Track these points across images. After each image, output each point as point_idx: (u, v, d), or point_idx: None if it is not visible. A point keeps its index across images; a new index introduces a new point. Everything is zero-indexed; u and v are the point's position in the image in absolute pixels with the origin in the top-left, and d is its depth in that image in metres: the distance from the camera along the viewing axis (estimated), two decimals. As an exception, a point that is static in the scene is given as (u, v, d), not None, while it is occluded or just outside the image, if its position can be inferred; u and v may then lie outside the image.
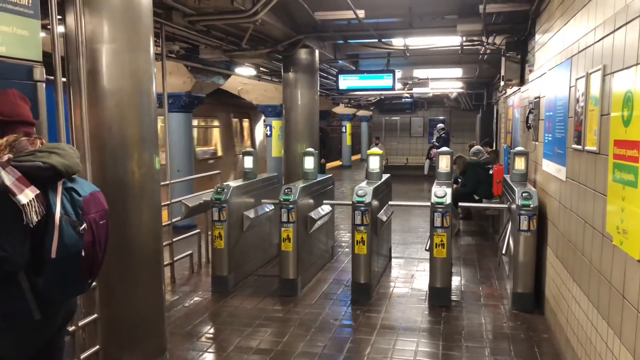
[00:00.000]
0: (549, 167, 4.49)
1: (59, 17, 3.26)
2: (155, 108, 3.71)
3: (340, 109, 20.75)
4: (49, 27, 3.12)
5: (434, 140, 17.30)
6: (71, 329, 3.26)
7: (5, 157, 1.90)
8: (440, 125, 17.61)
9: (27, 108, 2.13)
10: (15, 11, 2.52)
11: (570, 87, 3.68)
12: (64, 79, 3.32)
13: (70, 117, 3.40)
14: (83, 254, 1.98)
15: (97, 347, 3.49)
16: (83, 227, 1.97)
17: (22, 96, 2.11)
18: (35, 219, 1.86)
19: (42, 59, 2.72)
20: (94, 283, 3.39)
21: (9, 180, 1.83)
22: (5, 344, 1.94)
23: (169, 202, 5.63)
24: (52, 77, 3.06)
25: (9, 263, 1.85)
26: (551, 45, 4.58)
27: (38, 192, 1.88)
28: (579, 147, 3.32)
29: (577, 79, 3.46)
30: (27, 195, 1.84)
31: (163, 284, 3.93)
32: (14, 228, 1.85)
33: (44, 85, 2.69)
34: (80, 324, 3.36)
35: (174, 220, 5.77)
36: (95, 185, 2.23)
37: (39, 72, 2.63)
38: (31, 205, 1.85)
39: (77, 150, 2.21)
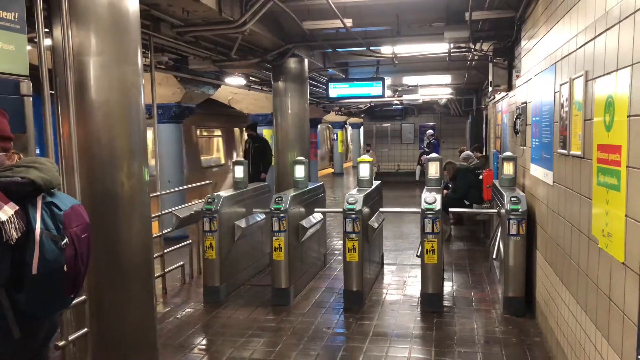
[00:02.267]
0: (536, 171, 4.54)
1: (46, 30, 3.26)
2: (144, 119, 3.71)
3: (331, 117, 20.81)
4: (35, 40, 3.12)
5: (424, 146, 17.39)
6: (61, 343, 3.24)
7: None
8: (430, 131, 17.70)
9: (5, 122, 2.08)
10: (2, 26, 2.52)
11: (555, 93, 3.73)
12: (52, 92, 3.32)
13: (58, 129, 3.39)
14: (65, 268, 1.94)
15: (88, 360, 3.46)
16: (65, 241, 1.94)
17: (0, 110, 2.08)
18: (15, 235, 1.82)
19: (29, 72, 2.72)
20: (82, 297, 3.38)
21: None
22: None
23: (159, 213, 5.62)
24: (40, 91, 3.05)
25: None
26: (536, 51, 4.64)
27: (17, 208, 1.84)
28: (565, 151, 3.36)
29: (561, 85, 3.51)
30: (6, 212, 1.81)
31: (154, 296, 3.91)
32: None
33: (31, 99, 2.69)
34: (70, 338, 3.33)
35: (165, 231, 5.75)
36: (75, 199, 2.20)
37: (26, 87, 2.63)
38: (10, 222, 1.81)
39: (56, 164, 2.18)
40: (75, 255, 1.98)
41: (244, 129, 10.67)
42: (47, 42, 3.30)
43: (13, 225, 1.82)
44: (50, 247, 1.89)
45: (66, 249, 1.94)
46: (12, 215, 1.82)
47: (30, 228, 1.88)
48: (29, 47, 2.80)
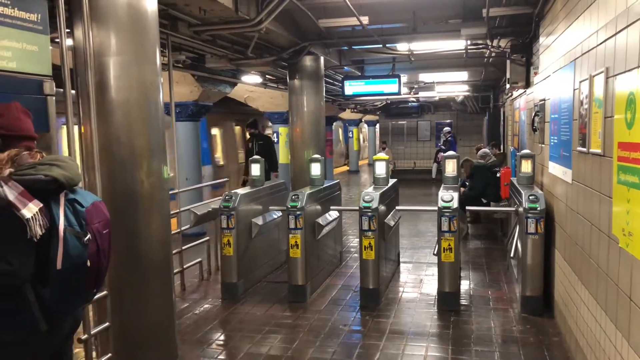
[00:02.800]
0: (555, 169, 4.49)
1: (67, 30, 3.32)
2: (163, 118, 3.76)
3: (346, 115, 20.79)
4: (57, 40, 3.18)
5: (441, 143, 17.29)
6: (84, 337, 3.30)
7: (7, 172, 1.92)
8: (447, 128, 17.57)
9: (30, 122, 2.13)
10: (25, 27, 2.58)
11: (574, 90, 3.68)
12: (73, 92, 3.38)
13: (79, 128, 3.46)
14: (88, 264, 1.99)
15: (109, 355, 3.52)
16: (87, 237, 1.99)
17: (24, 110, 2.12)
18: (39, 232, 1.87)
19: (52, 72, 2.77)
20: (104, 292, 3.44)
21: (12, 195, 1.84)
22: (14, 356, 1.96)
23: (178, 210, 5.69)
24: (62, 90, 3.11)
25: (14, 276, 1.86)
26: (555, 48, 4.59)
27: (41, 205, 1.89)
28: (584, 149, 3.32)
29: (580, 82, 3.47)
30: (30, 210, 1.86)
31: (173, 292, 3.97)
32: (19, 242, 1.86)
33: (54, 98, 2.75)
34: (92, 332, 3.40)
35: (183, 228, 5.82)
36: (97, 196, 2.25)
37: (49, 86, 2.69)
38: (35, 219, 1.86)
39: (76, 162, 2.23)
40: (97, 250, 2.04)
41: (246, 127, 10.28)
42: (69, 42, 3.36)
43: (37, 222, 1.87)
44: (74, 243, 1.95)
45: (89, 245, 1.99)
46: (37, 212, 1.87)
47: (53, 225, 1.93)
48: (50, 48, 2.85)
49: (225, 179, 7.44)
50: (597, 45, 3.09)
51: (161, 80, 3.73)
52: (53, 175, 1.95)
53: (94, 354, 3.51)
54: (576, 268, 3.67)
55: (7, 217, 1.84)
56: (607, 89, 2.86)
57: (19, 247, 1.87)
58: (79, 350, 3.59)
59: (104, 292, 3.47)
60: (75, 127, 3.36)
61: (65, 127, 3.25)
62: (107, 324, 3.52)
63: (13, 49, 2.50)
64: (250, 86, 10.46)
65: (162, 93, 3.74)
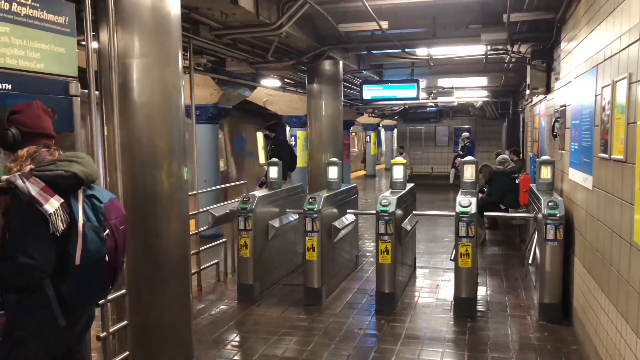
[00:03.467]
0: (575, 176, 4.44)
1: (93, 33, 3.40)
2: (184, 120, 3.82)
3: (364, 119, 20.78)
4: (83, 43, 3.25)
5: (459, 149, 17.17)
6: (102, 334, 3.36)
7: (28, 168, 1.95)
8: (465, 134, 17.46)
9: (49, 121, 2.18)
10: (53, 29, 2.65)
11: (596, 96, 3.65)
12: (97, 93, 3.45)
13: (102, 129, 3.53)
14: (107, 259, 2.02)
15: (127, 353, 3.57)
16: (106, 232, 2.02)
17: (45, 109, 2.16)
18: (61, 227, 1.91)
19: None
20: (122, 291, 3.50)
21: (34, 190, 1.88)
22: (31, 351, 1.99)
23: (196, 211, 5.75)
24: (86, 91, 3.18)
25: (38, 271, 1.90)
26: (577, 54, 4.54)
27: (62, 200, 1.93)
28: (606, 155, 3.29)
29: (602, 87, 3.43)
30: (52, 205, 1.89)
31: (190, 292, 4.01)
32: (41, 237, 1.90)
33: (79, 99, 2.81)
34: (111, 330, 3.45)
35: (200, 229, 5.87)
36: (116, 195, 2.28)
37: (75, 87, 2.76)
38: (57, 214, 1.90)
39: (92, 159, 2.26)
40: (115, 246, 2.07)
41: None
42: (94, 45, 3.44)
43: (59, 217, 1.91)
44: (93, 238, 1.98)
45: (107, 240, 2.03)
46: (59, 207, 1.91)
47: (73, 220, 1.96)
48: (77, 50, 2.92)
49: (243, 182, 7.49)
50: (620, 50, 3.06)
51: (182, 82, 3.79)
52: (73, 171, 1.99)
53: (111, 352, 3.57)
54: (596, 275, 3.62)
55: (30, 213, 1.88)
56: (630, 94, 2.83)
57: (41, 242, 1.90)
58: (96, 348, 3.64)
59: (123, 291, 3.52)
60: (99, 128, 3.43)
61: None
62: (125, 322, 3.57)
63: (41, 50, 2.57)
64: (269, 90, 10.52)
65: (183, 95, 3.80)
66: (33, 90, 2.52)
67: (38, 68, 2.56)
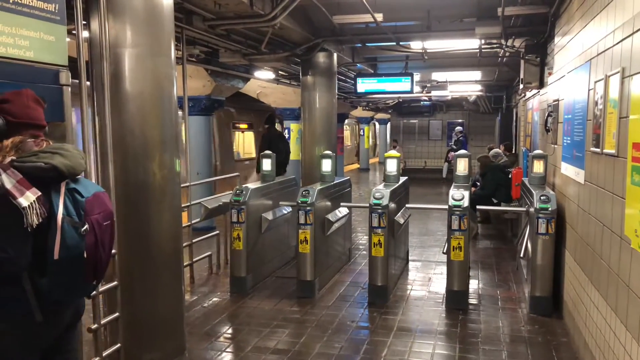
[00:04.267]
0: (567, 170, 4.46)
1: (84, 22, 3.35)
2: (176, 111, 3.79)
3: (358, 112, 20.76)
4: (74, 32, 3.21)
5: (452, 143, 17.21)
6: (93, 327, 3.34)
7: (8, 159, 1.90)
8: (459, 128, 17.50)
9: (40, 111, 2.10)
10: (43, 17, 2.60)
11: (589, 90, 3.65)
12: (88, 83, 3.41)
13: (94, 120, 3.49)
14: (85, 255, 1.96)
15: (119, 345, 3.56)
16: (85, 228, 1.95)
17: (36, 98, 2.09)
18: (35, 221, 1.84)
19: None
20: (114, 283, 3.48)
21: (9, 183, 1.82)
22: (9, 344, 1.95)
23: (189, 203, 5.72)
24: (77, 81, 3.14)
25: (11, 264, 1.85)
26: (570, 48, 4.55)
27: (39, 194, 1.87)
28: (598, 150, 3.30)
29: (595, 82, 3.44)
30: (27, 198, 1.83)
31: (183, 284, 4.00)
32: (16, 230, 1.84)
33: (70, 89, 2.77)
34: (102, 322, 3.43)
35: (193, 221, 5.85)
36: (99, 186, 2.22)
37: (65, 76, 2.71)
38: (32, 207, 1.84)
39: (82, 151, 2.18)
40: (95, 242, 1.99)
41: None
42: (85, 34, 3.39)
43: (34, 211, 1.85)
44: (71, 233, 1.92)
45: (87, 236, 1.96)
46: (34, 201, 1.85)
47: (52, 214, 1.90)
48: (67, 40, 2.88)
49: (236, 174, 7.47)
50: (614, 45, 3.07)
51: (175, 73, 3.75)
52: (53, 164, 1.92)
53: (103, 344, 3.55)
54: (586, 269, 3.64)
55: (4, 205, 1.82)
56: (622, 89, 2.84)
57: (15, 235, 1.84)
58: (87, 340, 3.62)
59: (115, 283, 3.51)
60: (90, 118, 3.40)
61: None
62: (117, 314, 3.56)
63: (31, 38, 2.53)
64: (262, 82, 10.48)
65: (176, 86, 3.77)
66: (22, 79, 2.48)
67: (27, 56, 2.52)
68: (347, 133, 23.88)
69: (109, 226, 2.08)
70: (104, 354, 3.44)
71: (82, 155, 2.09)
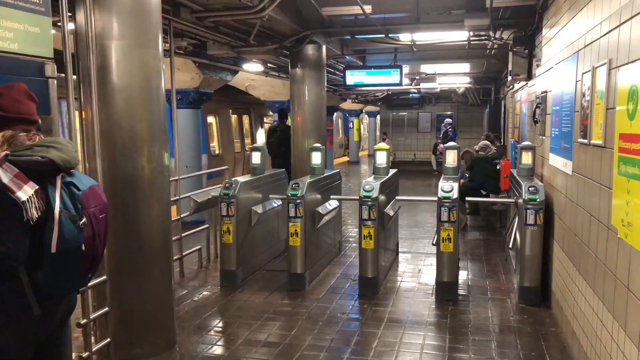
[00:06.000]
0: (555, 161, 4.49)
1: (69, 14, 3.31)
2: (164, 104, 3.76)
3: (347, 105, 20.75)
4: (59, 24, 3.17)
5: (440, 135, 17.27)
6: (83, 321, 3.32)
7: (2, 154, 1.88)
8: (448, 120, 17.56)
9: (32, 105, 2.08)
10: (27, 8, 2.56)
11: (576, 82, 3.68)
12: (75, 76, 3.37)
13: (80, 113, 3.45)
14: (83, 248, 1.96)
15: (108, 339, 3.55)
16: (83, 221, 1.95)
17: (28, 92, 2.07)
18: (35, 215, 1.84)
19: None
20: (103, 277, 3.46)
21: (6, 177, 1.81)
22: (6, 338, 1.95)
23: (177, 197, 5.69)
24: (63, 74, 3.10)
25: (10, 258, 1.85)
26: (558, 40, 4.57)
27: (37, 187, 1.86)
28: (585, 141, 3.32)
29: (583, 73, 3.46)
30: (26, 192, 1.83)
31: (172, 278, 3.99)
32: (14, 224, 1.84)
33: (55, 81, 2.74)
34: (91, 316, 3.42)
35: (182, 215, 5.82)
36: (94, 180, 2.21)
37: (50, 69, 2.68)
38: (31, 201, 1.84)
39: (74, 144, 2.18)
40: (93, 235, 2.00)
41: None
42: (70, 26, 3.35)
43: (33, 205, 1.85)
44: (69, 226, 1.92)
45: (84, 229, 1.96)
46: (32, 194, 1.85)
47: (49, 207, 1.90)
48: (52, 32, 2.84)
49: (225, 167, 7.44)
50: (601, 37, 3.09)
51: (163, 66, 3.72)
52: (50, 157, 1.92)
53: (92, 338, 3.54)
54: (574, 259, 3.68)
55: (2, 200, 1.82)
56: (609, 80, 2.86)
57: (14, 229, 1.85)
58: (77, 335, 3.60)
59: (104, 277, 3.49)
60: (76, 112, 3.36)
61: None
62: (106, 309, 3.54)
63: (15, 30, 2.48)
64: (251, 74, 10.42)
65: (164, 79, 3.74)
66: (7, 72, 2.44)
67: (11, 48, 2.48)
68: (338, 125, 23.88)
69: (104, 219, 2.09)
70: (93, 349, 3.43)
71: (75, 148, 2.10)
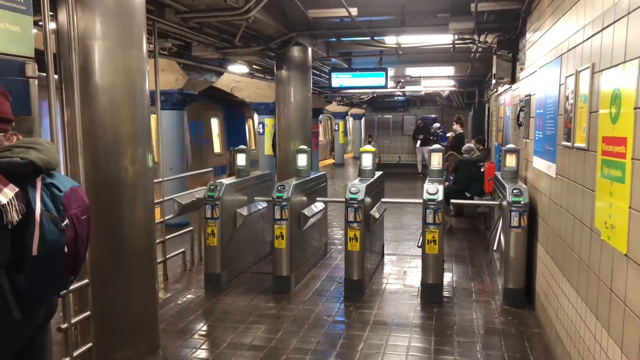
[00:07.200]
0: (539, 164, 4.54)
1: (51, 13, 3.25)
2: (148, 105, 3.71)
3: (332, 107, 20.77)
4: (40, 23, 3.11)
5: (432, 138, 17.23)
6: (64, 326, 3.26)
7: None
8: (437, 125, 17.64)
9: (6, 104, 2.03)
10: (7, 7, 2.51)
11: (560, 85, 3.72)
12: (56, 76, 3.31)
13: (62, 114, 3.39)
14: (66, 250, 1.92)
15: (90, 344, 3.49)
16: (65, 223, 1.91)
17: (3, 91, 2.02)
18: (16, 218, 1.79)
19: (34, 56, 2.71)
20: (85, 280, 3.40)
21: None
22: None
23: (161, 199, 5.63)
24: (44, 74, 3.05)
25: None
26: (542, 44, 4.62)
27: (17, 190, 1.81)
28: (569, 144, 3.36)
29: (566, 77, 3.50)
30: (6, 195, 1.78)
31: (156, 281, 3.94)
32: None
33: (36, 81, 2.68)
34: (73, 321, 3.36)
35: (166, 217, 5.76)
36: (75, 181, 2.17)
37: (31, 69, 2.63)
38: (11, 204, 1.78)
39: (54, 145, 2.14)
40: (75, 237, 1.96)
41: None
42: (52, 25, 3.29)
43: (14, 208, 1.80)
44: (51, 228, 1.87)
45: (66, 231, 1.92)
46: (13, 197, 1.80)
47: (30, 209, 1.85)
48: (34, 31, 2.79)
49: (210, 169, 7.38)
50: (584, 41, 3.12)
51: (147, 67, 3.67)
52: (30, 159, 1.87)
53: (74, 343, 3.47)
54: (558, 261, 3.72)
55: None
56: (592, 84, 2.89)
57: None
58: (58, 340, 3.54)
59: (86, 281, 3.43)
60: (59, 113, 3.30)
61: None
62: (88, 312, 3.48)
63: (-5, 29, 2.43)
64: (236, 76, 10.37)
65: (148, 80, 3.69)
66: (-14, 71, 2.39)
67: (-9, 48, 2.43)
68: (323, 127, 23.90)
69: (86, 220, 2.04)
70: (74, 354, 3.37)
71: (55, 149, 2.05)
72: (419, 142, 16.84)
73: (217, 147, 14.39)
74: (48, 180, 1.96)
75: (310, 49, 7.81)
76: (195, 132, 13.16)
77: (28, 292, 1.91)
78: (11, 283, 1.88)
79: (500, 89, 8.49)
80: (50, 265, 1.91)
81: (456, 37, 7.32)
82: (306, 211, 5.54)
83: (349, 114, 25.21)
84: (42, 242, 1.85)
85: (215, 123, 14.46)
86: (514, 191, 4.71)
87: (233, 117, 15.50)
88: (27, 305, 1.94)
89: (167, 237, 5.72)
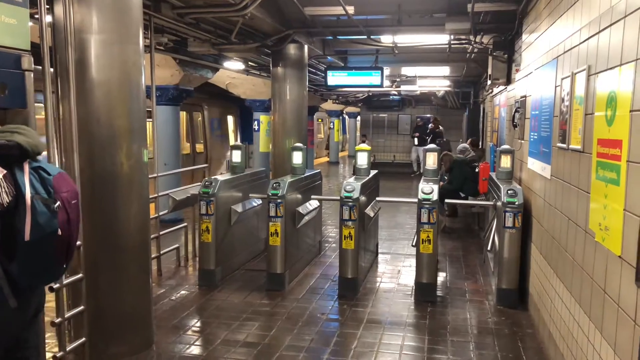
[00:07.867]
0: (534, 165, 4.56)
1: (47, 6, 3.22)
2: (144, 100, 3.70)
3: (328, 105, 20.77)
4: (37, 16, 3.09)
5: (429, 138, 17.26)
6: (57, 320, 3.25)
7: None
8: (431, 125, 17.66)
9: None
10: (4, -1, 2.49)
11: (555, 87, 3.73)
12: (52, 70, 3.29)
13: (58, 107, 3.37)
14: (60, 232, 1.91)
15: (84, 339, 3.47)
16: (57, 204, 1.90)
17: None
18: (6, 199, 1.78)
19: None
20: (79, 275, 3.38)
21: None
22: None
23: (156, 195, 5.61)
24: (40, 67, 3.02)
25: None
26: (538, 45, 4.64)
27: (5, 172, 1.81)
28: (564, 145, 3.38)
29: (562, 79, 3.52)
30: None
31: (150, 277, 3.93)
32: None
33: (32, 74, 2.67)
34: (66, 315, 3.34)
35: (161, 213, 5.74)
36: (72, 177, 2.18)
37: (27, 61, 2.61)
38: (1, 186, 1.79)
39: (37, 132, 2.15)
40: (68, 219, 1.95)
41: None
42: (48, 18, 3.27)
43: (3, 190, 1.79)
44: (42, 210, 1.85)
45: (59, 213, 1.91)
46: (1, 178, 1.79)
47: (19, 194, 1.84)
48: (30, 24, 2.77)
49: (205, 165, 7.36)
50: (580, 43, 3.14)
51: (143, 61, 3.66)
52: (16, 141, 1.88)
53: (67, 338, 3.46)
54: (552, 262, 3.74)
55: None
56: (588, 86, 2.91)
57: None
58: (50, 335, 3.52)
59: (79, 275, 3.41)
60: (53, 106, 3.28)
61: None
62: (81, 307, 3.47)
63: (-9, 21, 2.41)
64: (232, 72, 10.35)
65: (144, 75, 3.68)
66: (-18, 63, 2.37)
67: (-13, 40, 2.41)
68: (319, 126, 23.88)
69: (76, 205, 2.05)
70: (68, 349, 3.36)
71: (38, 135, 2.05)
72: (415, 139, 16.87)
73: (232, 142, 14.90)
74: (35, 164, 1.95)
75: (306, 47, 7.80)
76: (214, 128, 14.16)
77: (21, 280, 1.89)
78: (4, 271, 1.86)
79: (496, 90, 8.52)
80: (44, 249, 1.89)
81: (452, 37, 7.34)
82: (301, 209, 5.54)
83: (344, 112, 25.22)
84: (35, 226, 1.83)
85: (230, 120, 15.49)
86: (509, 192, 4.73)
87: (246, 114, 15.96)
88: (21, 294, 1.92)
89: (161, 233, 5.70)
